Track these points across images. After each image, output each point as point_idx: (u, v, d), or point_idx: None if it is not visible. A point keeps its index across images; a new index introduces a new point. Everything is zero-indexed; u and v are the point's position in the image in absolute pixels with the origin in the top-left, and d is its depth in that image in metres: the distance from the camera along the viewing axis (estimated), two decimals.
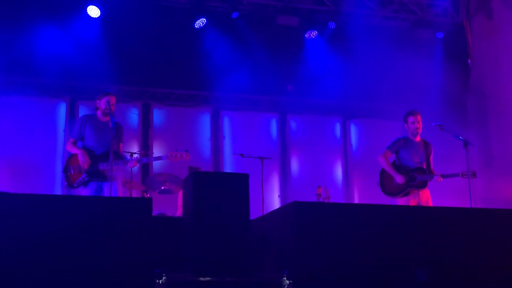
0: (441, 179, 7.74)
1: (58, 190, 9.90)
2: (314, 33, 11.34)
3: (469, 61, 11.59)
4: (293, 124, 11.58)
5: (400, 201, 7.82)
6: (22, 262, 4.86)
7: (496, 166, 10.40)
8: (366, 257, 5.56)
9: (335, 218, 5.66)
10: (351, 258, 5.53)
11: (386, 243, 5.67)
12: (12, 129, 10.08)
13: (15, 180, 9.77)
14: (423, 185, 7.76)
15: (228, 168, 10.92)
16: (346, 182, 11.57)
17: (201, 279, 5.29)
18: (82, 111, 9.86)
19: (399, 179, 7.76)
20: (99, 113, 7.36)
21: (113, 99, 7.34)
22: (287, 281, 5.27)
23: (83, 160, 7.09)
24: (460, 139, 7.82)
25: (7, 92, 10.06)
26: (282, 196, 11.17)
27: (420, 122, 7.88)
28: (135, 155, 8.34)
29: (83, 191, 7.13)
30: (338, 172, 11.59)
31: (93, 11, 10.14)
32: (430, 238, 5.78)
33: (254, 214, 6.23)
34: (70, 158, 7.26)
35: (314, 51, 11.38)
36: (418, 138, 7.94)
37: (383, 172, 7.97)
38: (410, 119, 7.91)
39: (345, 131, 11.80)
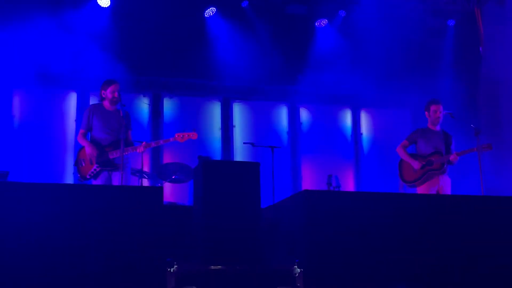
0: (457, 157, 7.74)
1: (70, 181, 9.93)
2: (324, 22, 11.30)
3: (480, 48, 11.51)
4: (303, 114, 11.55)
5: (420, 189, 7.82)
6: (34, 250, 4.89)
7: (507, 154, 10.34)
8: (377, 245, 5.56)
9: (345, 207, 5.66)
10: (362, 246, 5.53)
11: (398, 232, 5.66)
12: (25, 121, 10.12)
13: (29, 172, 9.82)
14: (441, 168, 7.75)
15: (238, 157, 10.91)
16: (356, 171, 11.55)
17: (212, 267, 5.31)
18: (93, 102, 9.88)
19: (416, 165, 7.80)
20: (106, 102, 7.38)
21: (118, 87, 7.35)
22: (298, 270, 5.28)
23: (90, 152, 7.12)
24: (472, 127, 7.82)
25: (23, 84, 10.09)
26: (293, 185, 11.16)
27: (442, 112, 7.91)
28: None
29: (94, 182, 7.16)
30: (349, 161, 11.56)
31: (103, 1, 10.14)
32: (444, 227, 5.76)
33: (264, 203, 6.24)
34: (80, 151, 7.29)
35: (324, 40, 11.34)
36: (437, 128, 7.97)
37: (401, 162, 8.02)
38: (433, 107, 7.95)
39: (355, 120, 11.76)
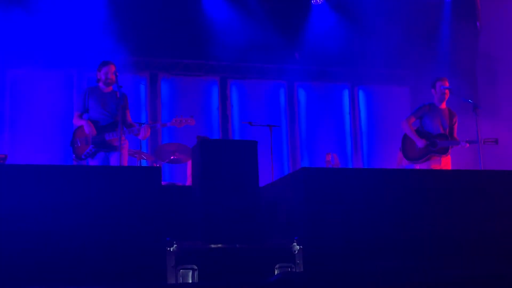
0: (468, 145, 7.73)
1: (67, 163, 9.92)
2: None
3: (477, 23, 11.46)
4: (301, 92, 11.54)
5: (421, 166, 7.80)
6: (31, 231, 4.89)
7: (505, 130, 10.34)
8: (375, 222, 5.57)
9: (344, 184, 5.65)
10: (361, 223, 5.54)
11: (396, 208, 5.67)
12: (22, 102, 10.09)
13: (26, 153, 9.80)
14: (444, 151, 7.73)
15: (237, 137, 10.92)
16: (355, 148, 11.56)
17: (212, 246, 5.32)
18: (90, 83, 9.85)
19: (420, 143, 7.74)
20: (101, 84, 7.35)
21: (112, 68, 7.30)
22: (297, 247, 5.30)
23: (89, 130, 7.09)
24: (470, 102, 7.80)
25: (17, 65, 10.05)
26: (292, 163, 11.17)
27: (447, 88, 7.88)
28: (143, 125, 8.32)
29: (91, 162, 7.15)
30: (347, 139, 11.57)
31: None
32: (443, 202, 5.77)
33: (263, 182, 6.23)
34: (76, 131, 7.27)
35: (320, 17, 11.29)
36: (443, 105, 7.93)
37: (405, 137, 7.95)
38: (439, 84, 7.90)
39: (353, 98, 11.74)
